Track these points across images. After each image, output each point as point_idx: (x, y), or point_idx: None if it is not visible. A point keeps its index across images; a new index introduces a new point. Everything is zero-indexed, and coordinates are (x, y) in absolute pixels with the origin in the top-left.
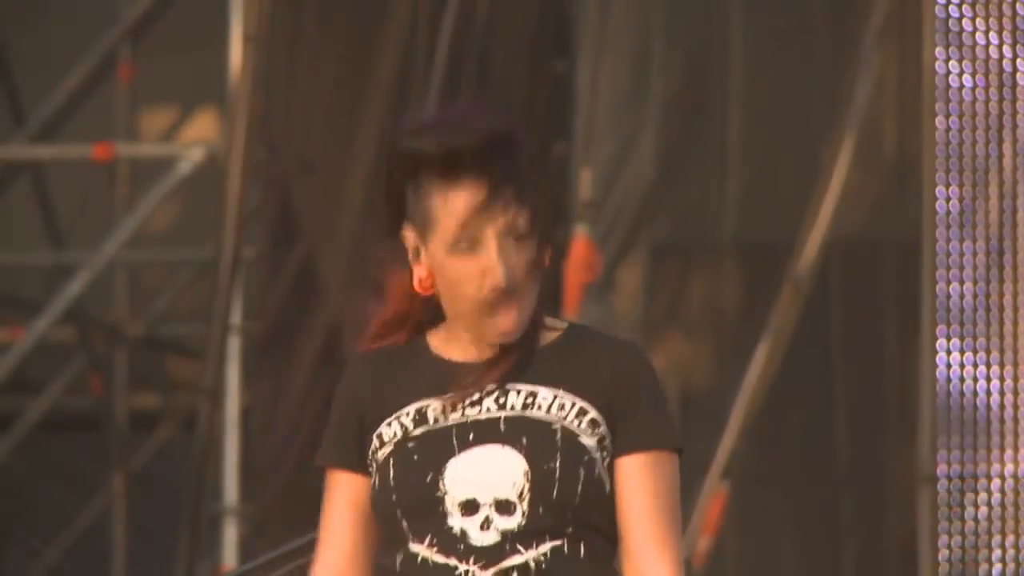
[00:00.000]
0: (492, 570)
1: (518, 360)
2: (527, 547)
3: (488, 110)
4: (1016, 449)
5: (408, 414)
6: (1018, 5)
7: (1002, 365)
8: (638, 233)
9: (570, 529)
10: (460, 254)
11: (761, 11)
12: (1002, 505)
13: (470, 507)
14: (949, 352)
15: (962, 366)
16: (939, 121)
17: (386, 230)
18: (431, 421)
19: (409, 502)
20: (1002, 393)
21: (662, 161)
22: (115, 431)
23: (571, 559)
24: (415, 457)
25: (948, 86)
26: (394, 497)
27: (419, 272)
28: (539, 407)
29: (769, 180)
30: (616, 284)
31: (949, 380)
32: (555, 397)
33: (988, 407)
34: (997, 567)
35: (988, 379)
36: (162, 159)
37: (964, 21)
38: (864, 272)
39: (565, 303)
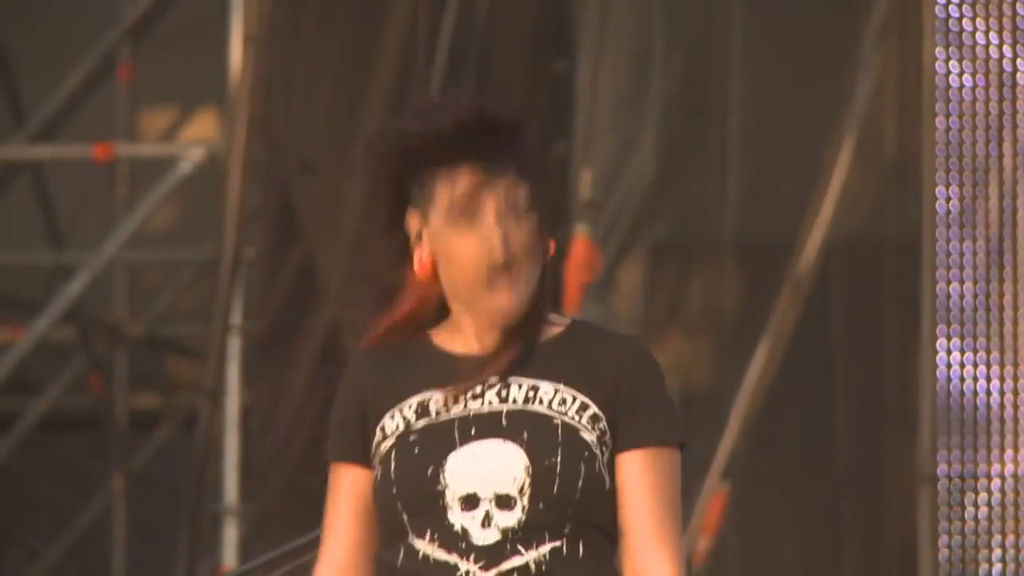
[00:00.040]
0: (493, 571)
1: (520, 353)
2: (528, 547)
3: (489, 97)
4: (1016, 449)
5: (410, 406)
6: (1018, 5)
7: (1002, 365)
8: (638, 233)
9: (570, 526)
10: (460, 228)
11: (761, 11)
12: (1002, 505)
13: (470, 501)
14: (949, 352)
15: (962, 366)
16: (939, 121)
17: (385, 223)
18: (433, 413)
19: (409, 496)
20: (1002, 393)
21: (662, 161)
22: (115, 431)
23: (571, 559)
24: (416, 450)
25: (948, 86)
26: (394, 490)
27: (420, 256)
28: (541, 401)
29: (769, 180)
30: (616, 284)
31: (949, 380)
32: (556, 392)
33: (988, 407)
34: (997, 567)
35: (988, 379)
36: (162, 159)
37: (964, 21)
38: (864, 272)
39: (565, 303)
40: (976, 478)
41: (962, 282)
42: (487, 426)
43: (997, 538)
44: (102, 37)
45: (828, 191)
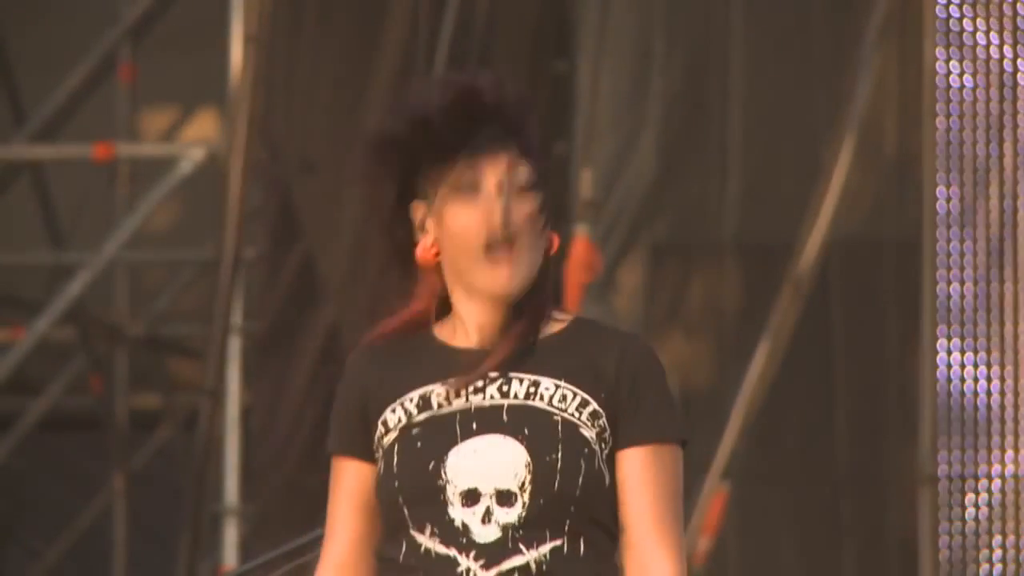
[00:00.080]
0: (494, 571)
1: (522, 348)
2: (528, 546)
3: (490, 77)
4: (1016, 449)
5: (412, 399)
6: (1018, 5)
7: (1002, 365)
8: (638, 233)
9: (570, 523)
10: (462, 203)
11: (761, 11)
12: (1002, 505)
13: (471, 497)
14: (949, 352)
15: (962, 366)
16: (939, 121)
17: (387, 222)
18: (435, 407)
19: (411, 490)
20: (1002, 393)
21: (662, 161)
22: (115, 431)
23: (571, 558)
24: (418, 444)
25: (948, 86)
26: (396, 484)
27: (424, 242)
28: (541, 397)
29: (769, 180)
30: (616, 284)
31: (949, 380)
32: (557, 388)
33: (988, 407)
34: (997, 567)
35: (988, 379)
36: (162, 159)
37: (964, 21)
38: (864, 272)
39: (565, 303)
40: (976, 478)
41: (962, 282)
42: (488, 420)
43: (997, 538)
44: (102, 37)
45: (828, 191)
